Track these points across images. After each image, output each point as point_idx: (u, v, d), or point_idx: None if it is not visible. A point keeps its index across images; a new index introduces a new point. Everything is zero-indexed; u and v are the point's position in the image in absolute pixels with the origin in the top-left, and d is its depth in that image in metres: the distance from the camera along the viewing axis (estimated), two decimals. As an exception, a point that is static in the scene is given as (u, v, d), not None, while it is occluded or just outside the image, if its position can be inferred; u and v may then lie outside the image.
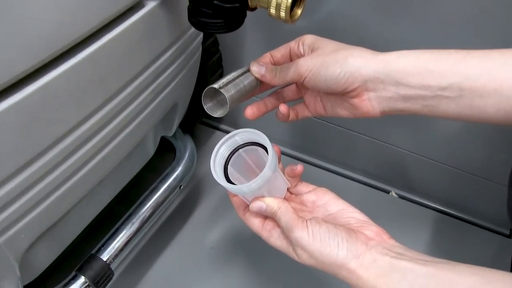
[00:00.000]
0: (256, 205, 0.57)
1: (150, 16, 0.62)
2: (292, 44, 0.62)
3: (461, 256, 1.01)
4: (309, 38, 0.61)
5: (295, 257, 0.55)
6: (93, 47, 0.54)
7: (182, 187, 0.91)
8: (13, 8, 0.43)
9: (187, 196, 1.09)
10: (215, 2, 0.55)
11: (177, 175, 0.91)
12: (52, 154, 0.54)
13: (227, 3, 0.54)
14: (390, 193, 1.15)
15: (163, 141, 0.97)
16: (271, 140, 0.56)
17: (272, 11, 0.53)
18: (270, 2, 0.52)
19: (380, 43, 0.86)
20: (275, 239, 0.58)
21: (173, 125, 0.90)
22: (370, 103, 0.57)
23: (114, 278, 0.77)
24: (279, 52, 0.63)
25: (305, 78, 0.57)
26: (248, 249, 0.99)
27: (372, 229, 0.55)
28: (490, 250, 1.07)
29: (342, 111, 0.61)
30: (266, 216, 0.59)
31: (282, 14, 0.52)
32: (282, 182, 0.61)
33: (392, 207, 1.13)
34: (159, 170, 0.95)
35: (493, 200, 1.06)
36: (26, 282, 0.68)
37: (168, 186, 0.88)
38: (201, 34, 0.81)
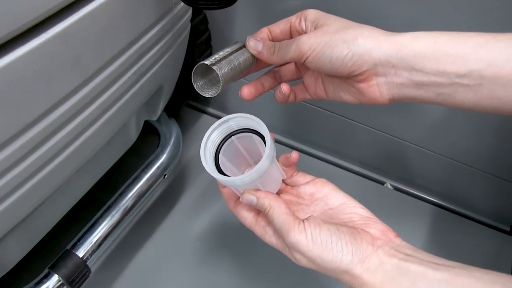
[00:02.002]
0: (246, 197, 0.53)
1: (134, -12, 0.56)
2: (293, 19, 0.57)
3: (460, 253, 0.99)
4: (312, 13, 0.55)
5: (293, 260, 0.51)
6: (67, 22, 0.48)
7: (166, 176, 0.86)
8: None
9: (171, 184, 1.04)
10: (208, -26, 0.48)
11: (161, 163, 0.85)
12: (21, 141, 0.49)
13: (222, -24, 0.48)
14: (385, 185, 1.12)
15: (146, 122, 0.92)
16: None
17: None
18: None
19: (387, 23, 0.82)
20: (269, 236, 0.54)
21: (157, 109, 0.85)
22: (379, 89, 0.52)
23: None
24: (278, 27, 0.58)
25: (307, 57, 0.52)
26: (236, 242, 0.95)
27: (377, 227, 0.51)
28: (489, 247, 1.04)
29: (346, 96, 0.56)
30: (256, 213, 0.55)
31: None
32: (278, 173, 0.57)
33: (387, 199, 1.10)
34: (141, 153, 0.90)
35: (494, 195, 1.03)
36: (-5, 279, 0.63)
37: (152, 175, 0.83)
38: (190, 11, 0.75)
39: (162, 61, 0.70)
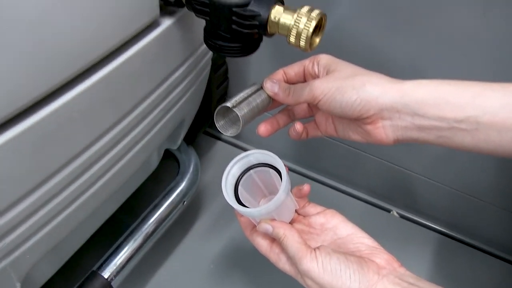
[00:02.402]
0: (263, 226, 0.57)
1: (165, 35, 0.61)
2: (307, 63, 0.61)
3: (464, 282, 1.01)
4: (324, 59, 0.60)
5: (305, 286, 0.55)
6: (108, 68, 0.53)
7: (185, 202, 0.90)
8: (33, 31, 0.42)
9: (187, 208, 1.07)
10: (233, 27, 0.54)
11: (180, 191, 0.90)
12: (63, 174, 0.53)
13: (246, 29, 0.54)
14: (391, 212, 1.15)
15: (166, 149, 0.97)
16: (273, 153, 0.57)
17: (292, 39, 0.52)
18: (290, 31, 0.52)
19: (389, 62, 0.87)
20: (283, 263, 0.58)
21: (178, 139, 0.90)
22: (384, 131, 0.57)
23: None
24: (293, 70, 0.63)
25: (319, 101, 0.57)
26: (249, 266, 0.98)
27: (382, 257, 0.55)
28: (495, 277, 1.05)
29: (355, 135, 0.60)
30: (271, 241, 0.59)
31: (302, 43, 0.51)
32: (292, 204, 0.62)
33: (393, 226, 1.12)
34: (159, 177, 0.94)
35: (498, 226, 1.05)
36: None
37: (172, 201, 0.88)
38: (211, 51, 0.80)
39: (186, 97, 0.75)
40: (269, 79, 0.62)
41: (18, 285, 0.57)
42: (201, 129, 1.14)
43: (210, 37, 0.57)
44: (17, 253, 0.53)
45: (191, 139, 1.05)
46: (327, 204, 0.63)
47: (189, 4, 0.56)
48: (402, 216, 1.15)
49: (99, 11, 0.49)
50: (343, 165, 1.16)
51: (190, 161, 0.96)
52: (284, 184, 0.55)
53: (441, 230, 1.12)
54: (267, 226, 0.57)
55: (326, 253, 0.53)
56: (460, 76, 0.54)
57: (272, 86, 0.61)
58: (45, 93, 0.46)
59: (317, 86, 0.56)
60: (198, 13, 0.56)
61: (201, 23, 0.58)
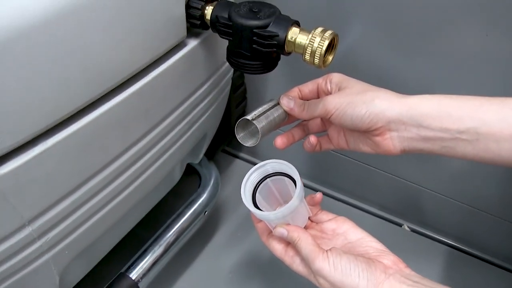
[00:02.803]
0: (279, 230, 0.61)
1: (191, 54, 0.67)
2: (320, 81, 0.66)
3: None
4: (336, 77, 0.64)
5: (317, 285, 0.58)
6: (141, 83, 0.59)
7: (206, 212, 0.95)
8: (86, 49, 0.49)
9: (207, 220, 1.11)
10: (254, 46, 0.59)
11: (202, 201, 0.95)
12: (99, 178, 0.59)
13: (265, 48, 0.59)
14: (402, 226, 1.18)
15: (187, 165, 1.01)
16: None
17: (307, 57, 0.58)
18: (306, 49, 0.57)
19: (398, 80, 0.91)
20: (297, 265, 0.61)
21: (200, 153, 0.95)
22: (392, 142, 0.60)
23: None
24: (307, 88, 0.67)
25: (332, 115, 0.61)
26: (266, 274, 1.02)
27: (389, 258, 0.58)
28: None
29: (364, 147, 0.64)
30: (288, 242, 0.62)
31: (316, 60, 0.57)
32: (305, 211, 0.65)
33: (404, 240, 1.15)
34: (180, 193, 0.99)
35: (507, 239, 1.06)
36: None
37: (194, 211, 0.93)
38: (232, 69, 0.85)
39: (208, 112, 0.80)
40: (285, 95, 0.66)
41: (57, 278, 0.62)
42: (220, 146, 1.19)
43: (232, 56, 0.63)
44: (58, 248, 0.59)
45: (211, 155, 1.10)
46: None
47: (213, 27, 0.63)
48: (413, 230, 1.17)
49: (135, 32, 0.55)
50: (356, 181, 1.19)
51: (211, 175, 1.01)
52: (298, 190, 0.59)
53: (451, 244, 1.14)
54: (282, 230, 0.61)
55: (337, 253, 0.57)
56: (464, 92, 0.58)
57: (288, 102, 0.65)
58: (88, 102, 0.53)
59: (330, 101, 0.61)
60: (222, 34, 0.62)
61: (223, 45, 0.63)
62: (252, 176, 0.64)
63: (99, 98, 0.54)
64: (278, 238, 0.64)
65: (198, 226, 1.07)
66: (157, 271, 0.93)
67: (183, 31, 0.64)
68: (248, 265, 1.04)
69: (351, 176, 1.19)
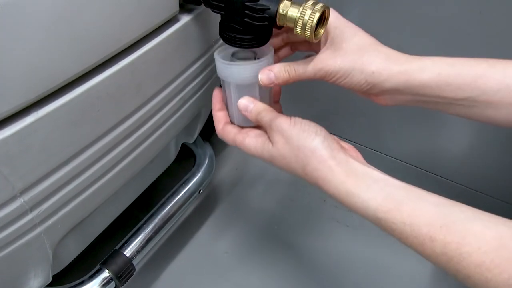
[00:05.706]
0: (247, 98, 0.63)
1: (183, 29, 0.67)
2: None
3: None
4: (331, 18, 0.59)
5: (269, 147, 0.58)
6: (133, 56, 0.59)
7: (201, 191, 0.96)
8: (76, 18, 0.49)
9: (203, 201, 1.14)
10: (245, 19, 0.59)
11: (197, 180, 0.95)
12: (92, 151, 0.59)
13: (257, 21, 0.59)
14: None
15: (181, 148, 1.02)
16: None
17: (298, 30, 0.58)
18: (297, 22, 0.57)
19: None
20: (250, 137, 0.61)
21: (195, 132, 0.95)
22: (385, 101, 0.61)
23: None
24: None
25: (327, 81, 0.60)
26: (260, 253, 1.03)
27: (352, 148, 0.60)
28: None
29: (358, 93, 0.62)
30: (241, 128, 0.64)
31: (307, 33, 0.57)
32: (269, 96, 0.68)
33: None
34: (175, 175, 1.00)
35: None
36: (55, 272, 0.72)
37: (188, 189, 0.93)
38: (227, 47, 0.85)
39: (202, 90, 0.80)
40: (262, 71, 0.62)
41: (50, 252, 0.62)
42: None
43: (224, 30, 0.63)
44: (50, 221, 0.59)
45: (207, 137, 1.11)
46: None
47: (206, 1, 0.63)
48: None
49: (127, 3, 0.55)
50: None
51: (206, 154, 1.02)
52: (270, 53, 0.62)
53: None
54: (250, 99, 0.62)
55: (300, 119, 0.57)
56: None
57: (268, 76, 0.61)
58: (80, 73, 0.53)
59: (323, 66, 0.59)
60: (214, 8, 0.62)
61: (216, 22, 0.64)
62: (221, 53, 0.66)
63: (90, 70, 0.54)
64: (231, 126, 0.65)
65: (193, 205, 1.08)
66: (153, 251, 0.94)
67: (176, 6, 0.64)
68: (243, 244, 1.05)
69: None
